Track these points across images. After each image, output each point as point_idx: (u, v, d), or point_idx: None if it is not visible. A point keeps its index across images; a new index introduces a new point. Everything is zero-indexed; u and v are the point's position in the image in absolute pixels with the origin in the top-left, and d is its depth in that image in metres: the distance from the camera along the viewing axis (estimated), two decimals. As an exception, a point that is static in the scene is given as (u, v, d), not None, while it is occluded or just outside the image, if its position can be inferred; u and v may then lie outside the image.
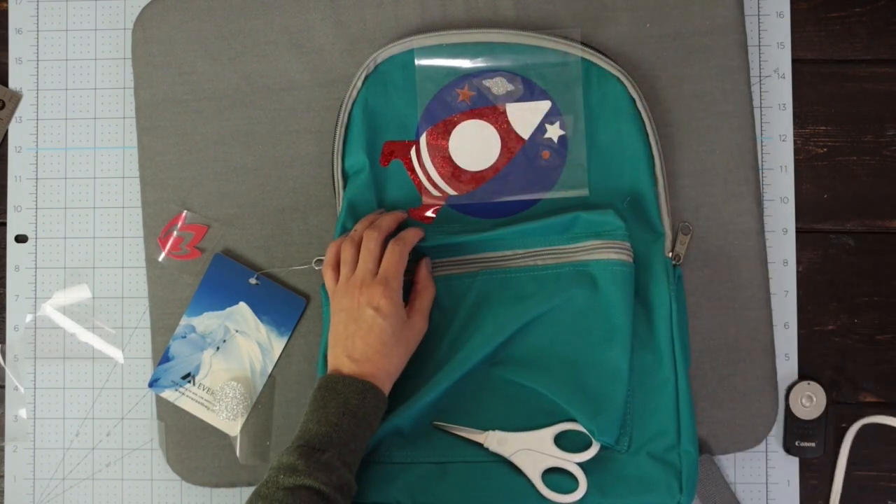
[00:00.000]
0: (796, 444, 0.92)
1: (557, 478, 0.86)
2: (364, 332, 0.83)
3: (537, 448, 0.86)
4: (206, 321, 0.93)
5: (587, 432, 0.85)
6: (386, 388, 0.84)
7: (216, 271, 0.93)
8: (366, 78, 0.91)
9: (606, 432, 0.84)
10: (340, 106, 0.92)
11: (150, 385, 0.93)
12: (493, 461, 0.87)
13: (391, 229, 0.88)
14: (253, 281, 0.93)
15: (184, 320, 0.93)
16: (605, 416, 0.84)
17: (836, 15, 0.96)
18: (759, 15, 0.96)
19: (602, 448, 0.86)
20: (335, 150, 0.91)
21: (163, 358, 0.93)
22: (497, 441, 0.86)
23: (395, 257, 0.85)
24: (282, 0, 0.94)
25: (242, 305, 0.93)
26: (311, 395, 0.83)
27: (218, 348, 0.93)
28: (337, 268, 0.88)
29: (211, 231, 0.93)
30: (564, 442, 0.86)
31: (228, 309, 0.93)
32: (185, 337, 0.93)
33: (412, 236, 0.88)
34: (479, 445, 0.87)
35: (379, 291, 0.83)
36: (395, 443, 0.87)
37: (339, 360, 0.84)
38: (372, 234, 0.86)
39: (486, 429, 0.87)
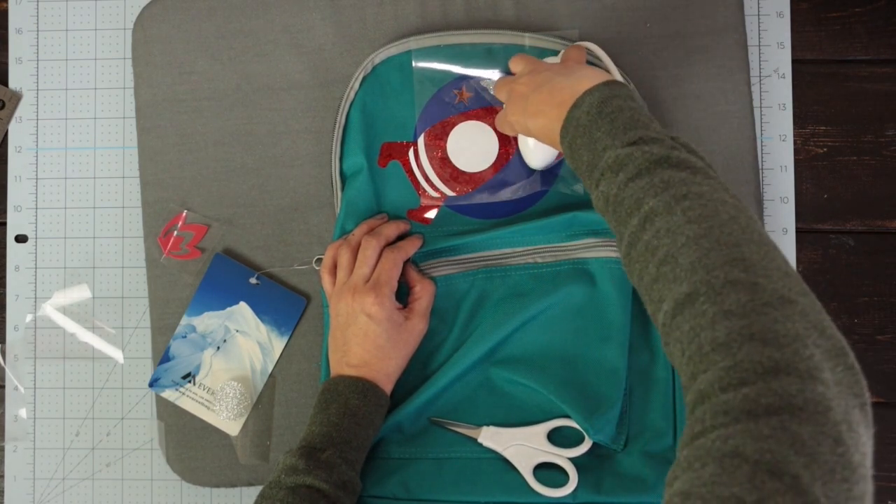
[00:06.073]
0: None
1: (549, 473, 0.86)
2: (360, 338, 0.83)
3: (530, 443, 0.86)
4: (207, 321, 0.93)
5: (582, 430, 0.85)
6: (387, 388, 0.84)
7: (216, 271, 0.93)
8: (363, 79, 0.91)
9: (602, 431, 0.84)
10: (338, 107, 0.92)
11: (151, 385, 0.93)
12: (487, 457, 0.87)
13: (391, 238, 0.88)
14: (253, 281, 0.93)
15: (184, 320, 0.93)
16: (602, 414, 0.84)
17: (836, 15, 0.96)
18: (759, 15, 0.96)
19: (598, 446, 0.86)
20: (334, 152, 0.92)
21: (163, 358, 0.93)
22: (491, 437, 0.87)
23: (389, 264, 0.85)
24: (282, 0, 0.94)
25: (243, 305, 0.93)
26: (315, 400, 0.83)
27: (218, 348, 0.93)
28: (334, 271, 0.88)
29: (211, 231, 0.93)
30: (558, 438, 0.87)
31: (229, 309, 0.93)
32: (185, 337, 0.93)
33: (410, 246, 0.88)
34: (475, 441, 0.87)
35: (370, 298, 0.83)
36: (393, 439, 0.88)
37: (339, 365, 0.85)
38: (370, 240, 0.86)
39: (481, 425, 0.88)
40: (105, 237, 0.97)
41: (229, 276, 0.93)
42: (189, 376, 0.93)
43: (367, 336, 0.83)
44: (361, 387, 0.82)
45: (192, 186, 0.94)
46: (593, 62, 0.89)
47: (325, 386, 0.84)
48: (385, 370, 0.84)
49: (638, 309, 0.88)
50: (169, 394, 0.93)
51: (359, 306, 0.84)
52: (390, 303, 0.84)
